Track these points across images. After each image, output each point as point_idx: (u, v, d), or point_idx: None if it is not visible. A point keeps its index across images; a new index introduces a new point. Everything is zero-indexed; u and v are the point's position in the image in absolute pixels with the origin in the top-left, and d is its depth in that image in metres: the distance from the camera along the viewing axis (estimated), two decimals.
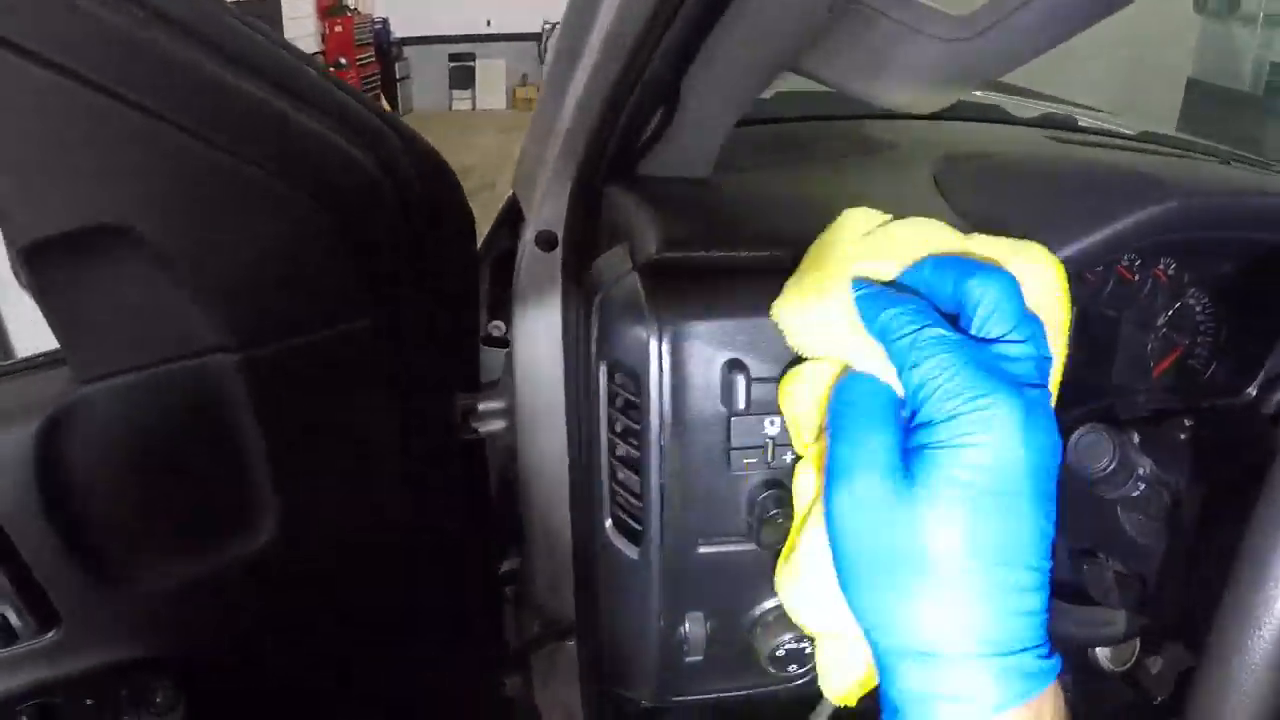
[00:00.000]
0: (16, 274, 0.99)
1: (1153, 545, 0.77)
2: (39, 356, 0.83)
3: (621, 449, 0.70)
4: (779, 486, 0.65)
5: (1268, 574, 0.44)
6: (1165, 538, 0.76)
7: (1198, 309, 0.97)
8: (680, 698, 0.75)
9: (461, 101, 9.25)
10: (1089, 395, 0.92)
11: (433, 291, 0.83)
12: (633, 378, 0.66)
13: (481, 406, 0.91)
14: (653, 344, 0.63)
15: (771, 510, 0.64)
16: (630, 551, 0.70)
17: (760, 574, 0.69)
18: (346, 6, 8.34)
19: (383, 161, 0.77)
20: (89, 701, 0.83)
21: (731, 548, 0.68)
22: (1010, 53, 0.63)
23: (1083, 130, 1.21)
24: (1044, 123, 1.20)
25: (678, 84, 0.72)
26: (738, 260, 0.67)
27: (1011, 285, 0.48)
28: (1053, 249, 0.75)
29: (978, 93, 1.34)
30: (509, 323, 0.89)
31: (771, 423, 0.64)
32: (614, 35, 0.66)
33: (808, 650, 0.69)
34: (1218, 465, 0.75)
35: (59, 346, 0.76)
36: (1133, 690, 1.13)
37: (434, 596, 0.96)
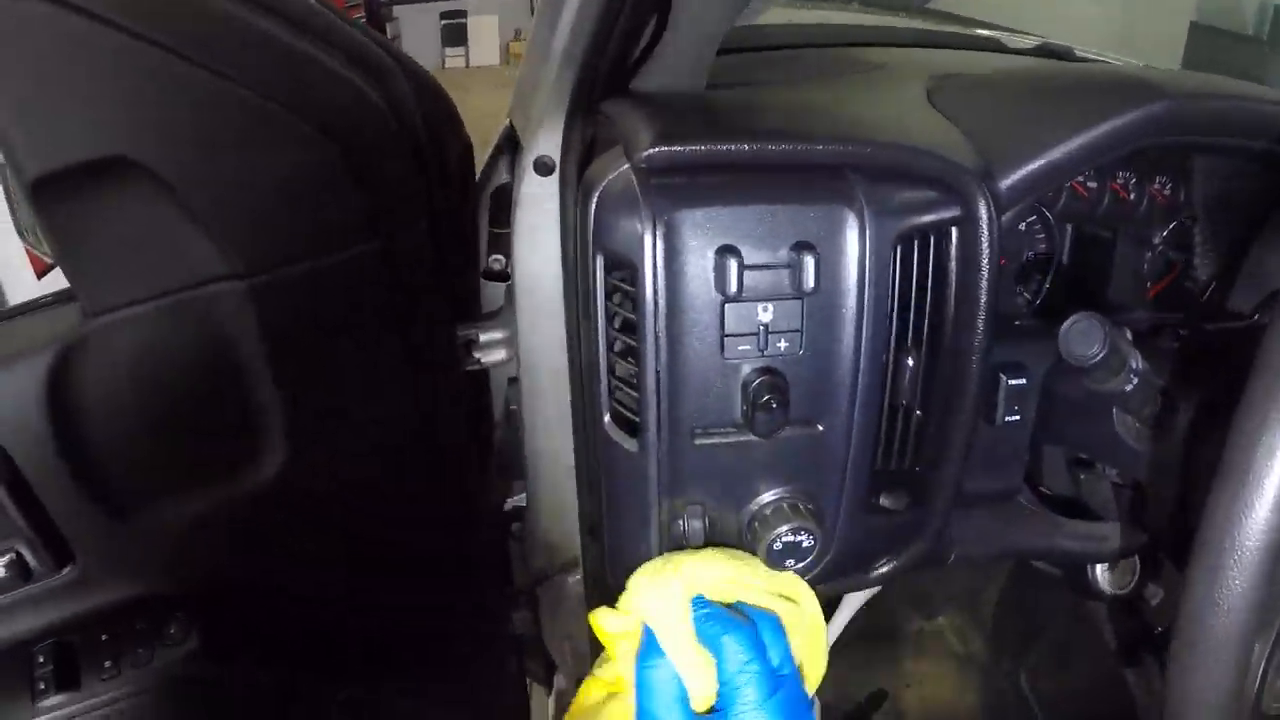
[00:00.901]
0: (15, 218, 1.02)
1: (1147, 452, 0.79)
2: (48, 296, 0.84)
3: (619, 342, 0.72)
4: (772, 373, 0.68)
5: (1249, 474, 0.44)
6: (1160, 444, 0.78)
7: (1194, 229, 0.98)
8: None
9: (455, 59, 9.09)
10: (1083, 307, 0.94)
11: (434, 223, 0.86)
12: (628, 269, 0.68)
13: (483, 337, 0.92)
14: (647, 234, 0.66)
15: (765, 396, 0.67)
16: (629, 444, 0.73)
17: (756, 466, 0.72)
18: None
19: (389, 96, 0.79)
20: (104, 637, 0.85)
21: (728, 439, 0.71)
22: None
23: (1080, 60, 1.22)
24: (1040, 52, 1.22)
25: None
26: (730, 153, 0.69)
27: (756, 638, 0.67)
28: (1042, 150, 0.78)
29: (977, 30, 1.36)
30: (508, 255, 0.92)
31: (765, 309, 0.67)
32: None
33: (805, 544, 0.71)
34: (1213, 375, 0.77)
35: (68, 285, 0.77)
36: (1133, 619, 1.15)
37: (440, 532, 0.98)
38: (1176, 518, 0.79)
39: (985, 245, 0.73)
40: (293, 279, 0.79)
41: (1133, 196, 0.95)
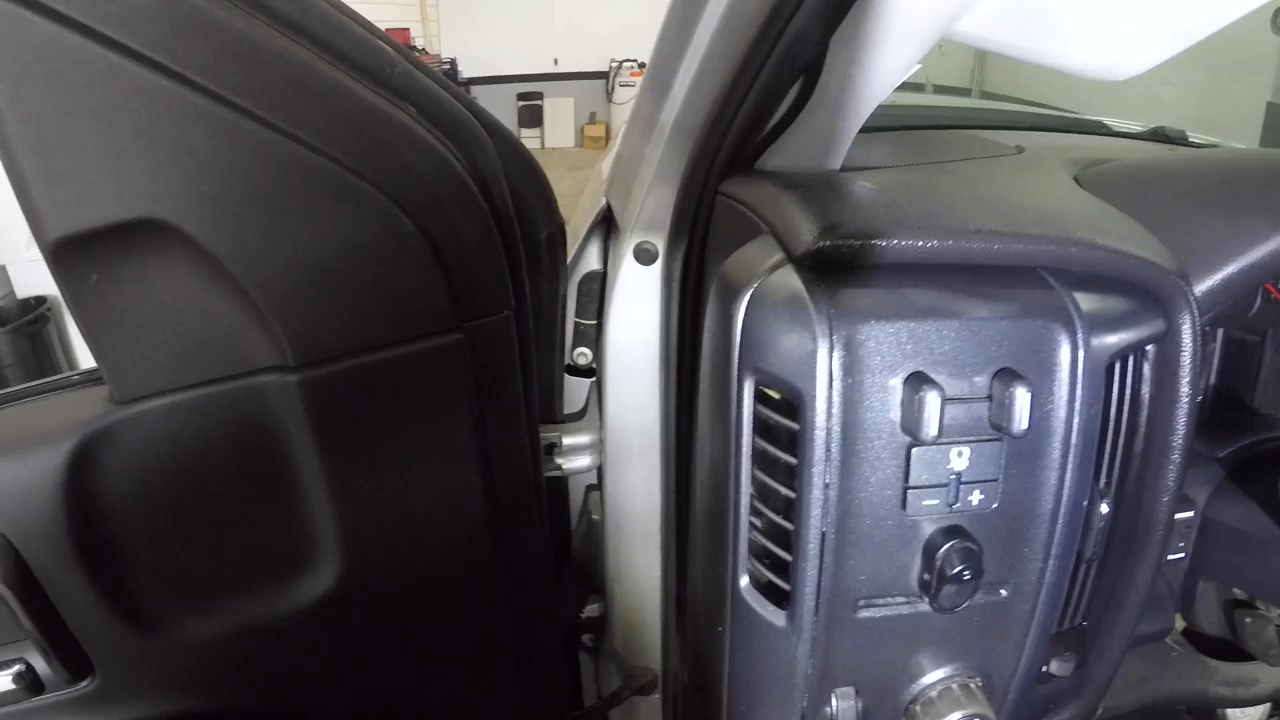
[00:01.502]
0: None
1: None
2: (74, 374, 0.72)
3: (769, 489, 0.55)
4: (962, 535, 0.52)
5: None
6: None
7: None
8: None
9: (530, 140, 9.12)
10: (1235, 421, 0.81)
11: (520, 312, 0.72)
12: (791, 396, 0.52)
13: (567, 441, 0.79)
14: (821, 351, 0.49)
15: (957, 567, 0.50)
16: (775, 617, 0.56)
17: (925, 640, 0.56)
18: (415, 48, 8.30)
19: (474, 163, 0.65)
20: None
21: (897, 610, 0.55)
22: None
23: (1194, 145, 1.09)
24: (1155, 136, 1.09)
25: (823, 48, 0.58)
26: (920, 251, 0.52)
27: None
28: (1241, 251, 0.64)
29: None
30: (597, 349, 0.79)
31: (959, 454, 0.51)
32: None
33: None
34: None
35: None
36: None
37: (508, 644, 0.84)
38: None
39: (1187, 365, 0.57)
40: (353, 373, 0.65)
41: None
